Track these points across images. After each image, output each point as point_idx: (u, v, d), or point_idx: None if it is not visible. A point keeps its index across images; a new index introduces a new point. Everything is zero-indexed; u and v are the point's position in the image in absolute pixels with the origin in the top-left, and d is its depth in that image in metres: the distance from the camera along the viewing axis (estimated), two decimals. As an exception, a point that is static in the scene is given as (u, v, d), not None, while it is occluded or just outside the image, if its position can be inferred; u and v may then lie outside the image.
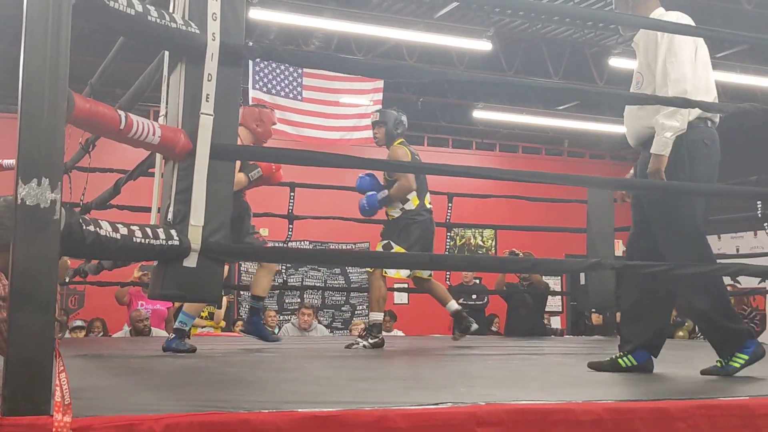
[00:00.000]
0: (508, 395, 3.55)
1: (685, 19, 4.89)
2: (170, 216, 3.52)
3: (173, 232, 3.42)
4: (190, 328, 7.10)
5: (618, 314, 14.61)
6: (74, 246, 2.96)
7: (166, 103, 3.77)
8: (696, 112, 4.75)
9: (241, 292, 17.86)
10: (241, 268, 17.92)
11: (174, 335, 6.85)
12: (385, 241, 7.80)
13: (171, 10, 3.70)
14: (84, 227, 2.97)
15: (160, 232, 3.36)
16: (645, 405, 3.25)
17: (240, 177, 6.78)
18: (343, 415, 2.78)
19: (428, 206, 7.98)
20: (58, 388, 2.61)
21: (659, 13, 5.03)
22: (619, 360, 4.96)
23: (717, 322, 4.78)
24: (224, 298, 12.70)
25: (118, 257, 4.07)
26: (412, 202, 7.81)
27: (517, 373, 4.98)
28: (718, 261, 4.95)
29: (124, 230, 3.18)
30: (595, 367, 5.00)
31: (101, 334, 12.97)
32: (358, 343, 7.44)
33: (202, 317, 12.10)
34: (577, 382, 4.45)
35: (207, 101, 3.54)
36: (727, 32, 5.98)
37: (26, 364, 2.53)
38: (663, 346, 5.05)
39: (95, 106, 3.09)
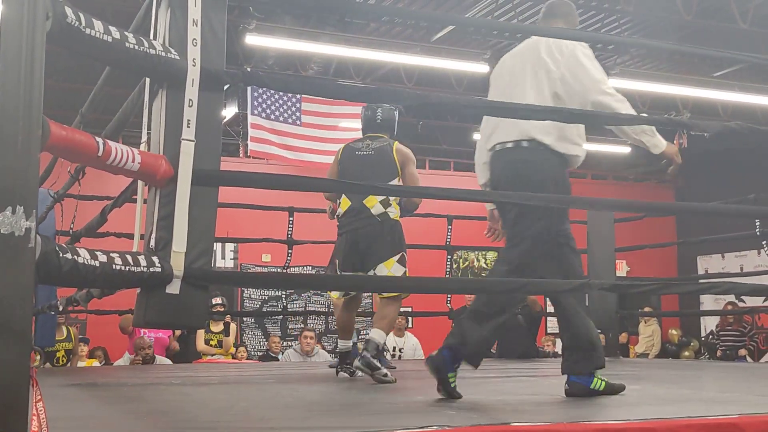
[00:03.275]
0: (495, 417, 3.52)
1: None
2: (152, 243, 3.50)
3: (155, 258, 3.40)
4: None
5: (622, 335, 14.68)
6: (51, 274, 2.94)
7: (148, 130, 3.76)
8: None
9: (244, 319, 17.83)
10: (244, 295, 17.87)
11: None
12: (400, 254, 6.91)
13: (152, 37, 3.69)
14: (61, 255, 2.95)
15: (141, 258, 3.34)
16: (632, 425, 3.22)
17: None
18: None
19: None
20: (35, 418, 2.59)
21: None
22: None
23: None
24: (232, 325, 12.71)
25: (98, 285, 4.04)
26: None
27: (511, 395, 4.95)
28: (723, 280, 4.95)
29: (103, 257, 3.15)
30: None
31: (103, 362, 12.96)
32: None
33: (211, 345, 12.14)
34: (568, 403, 4.42)
35: (188, 127, 3.53)
36: (721, 52, 5.97)
37: (1, 394, 2.50)
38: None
39: (71, 133, 3.07)
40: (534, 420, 3.26)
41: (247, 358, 14.48)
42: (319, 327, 18.00)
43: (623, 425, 3.21)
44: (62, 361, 10.70)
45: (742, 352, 15.31)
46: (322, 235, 10.79)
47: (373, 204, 6.75)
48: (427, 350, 11.25)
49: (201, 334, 12.03)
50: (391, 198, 6.77)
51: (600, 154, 20.54)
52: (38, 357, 7.82)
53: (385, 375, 6.17)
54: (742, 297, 15.83)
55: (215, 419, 3.71)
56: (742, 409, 3.61)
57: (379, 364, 6.25)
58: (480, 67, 14.81)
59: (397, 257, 6.76)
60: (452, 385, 4.58)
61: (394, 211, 6.83)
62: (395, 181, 6.82)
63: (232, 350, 12.70)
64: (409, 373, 7.29)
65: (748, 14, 13.90)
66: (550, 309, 16.62)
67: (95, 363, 12.59)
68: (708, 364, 12.26)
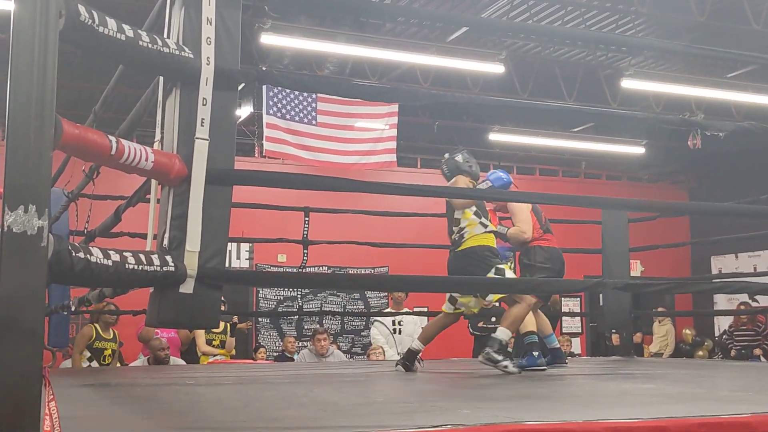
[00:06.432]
0: (510, 416, 3.50)
1: None
2: (166, 242, 3.50)
3: (168, 258, 3.40)
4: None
5: (636, 335, 14.64)
6: (63, 273, 2.94)
7: (162, 129, 3.76)
8: None
9: (260, 319, 17.81)
10: (259, 295, 17.84)
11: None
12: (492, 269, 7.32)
13: (165, 35, 3.69)
14: (73, 254, 2.95)
15: (155, 258, 3.34)
16: (644, 424, 3.20)
17: None
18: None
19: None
20: (47, 417, 2.59)
21: None
22: None
23: None
24: (240, 326, 12.68)
25: (110, 284, 4.05)
26: None
27: (526, 394, 4.94)
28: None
29: (116, 257, 3.15)
30: None
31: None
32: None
33: (214, 345, 12.07)
34: (581, 401, 4.41)
35: (202, 126, 3.53)
36: (735, 53, 5.95)
37: (13, 394, 2.50)
38: None
39: (84, 132, 3.07)
40: (547, 419, 3.25)
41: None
42: (335, 327, 17.97)
43: (636, 424, 3.20)
44: (108, 360, 10.70)
45: (757, 351, 15.27)
46: (338, 235, 10.79)
47: (452, 237, 7.43)
48: (436, 348, 11.25)
49: (201, 334, 11.82)
50: (465, 228, 7.31)
51: (614, 155, 20.49)
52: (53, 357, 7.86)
53: (506, 366, 6.76)
54: (756, 296, 15.81)
55: (229, 419, 3.71)
56: (755, 408, 3.60)
57: (499, 358, 6.83)
58: (496, 68, 14.77)
59: (491, 272, 7.16)
60: None
61: (470, 234, 7.32)
62: (458, 215, 7.35)
63: (233, 351, 12.62)
64: (423, 372, 7.28)
65: (761, 15, 13.86)
66: (565, 309, 16.56)
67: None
68: (722, 363, 12.20)
